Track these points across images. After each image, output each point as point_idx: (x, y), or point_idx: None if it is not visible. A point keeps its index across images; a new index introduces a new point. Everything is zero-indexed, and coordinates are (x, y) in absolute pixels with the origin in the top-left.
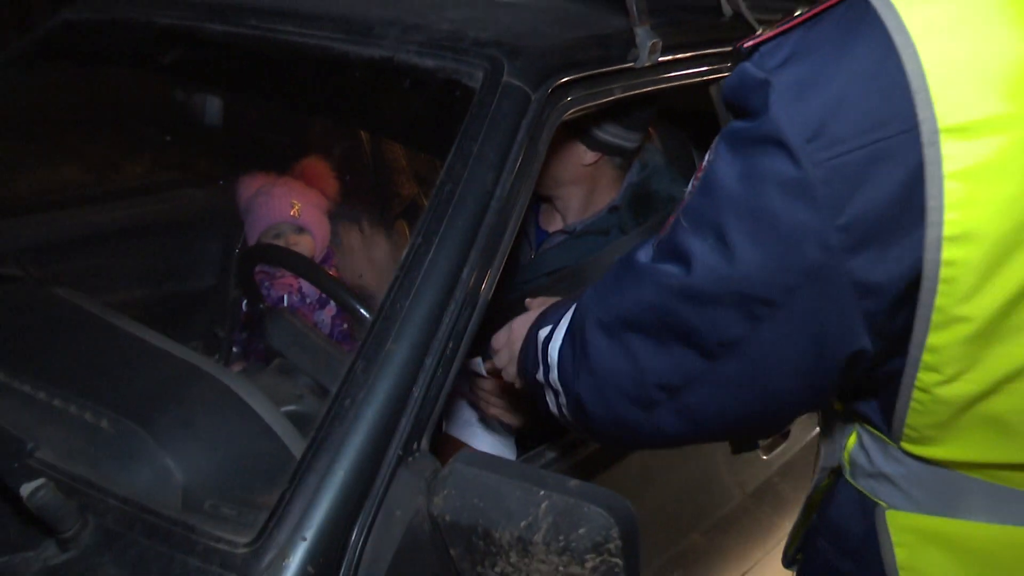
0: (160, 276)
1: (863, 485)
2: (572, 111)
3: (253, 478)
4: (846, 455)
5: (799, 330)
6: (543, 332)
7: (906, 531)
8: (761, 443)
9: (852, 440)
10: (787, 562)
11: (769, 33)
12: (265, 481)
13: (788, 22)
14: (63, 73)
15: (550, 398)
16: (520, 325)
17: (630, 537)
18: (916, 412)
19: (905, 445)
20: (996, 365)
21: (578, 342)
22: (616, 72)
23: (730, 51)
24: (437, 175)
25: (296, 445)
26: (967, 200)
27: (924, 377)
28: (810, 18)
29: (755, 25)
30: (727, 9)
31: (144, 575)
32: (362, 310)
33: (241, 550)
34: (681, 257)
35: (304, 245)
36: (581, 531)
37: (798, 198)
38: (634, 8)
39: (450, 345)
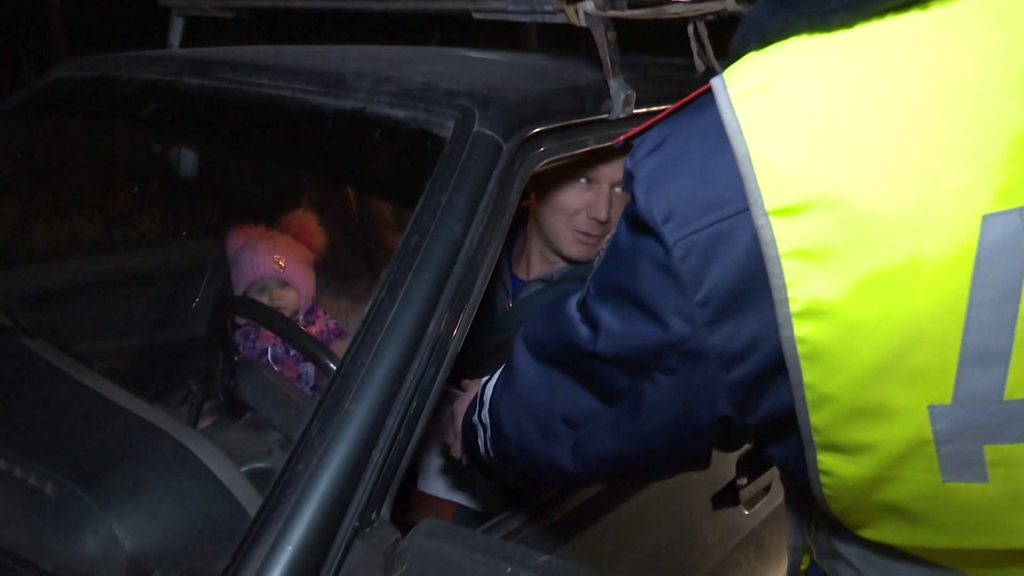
0: (151, 326)
1: (826, 565)
2: (545, 162)
3: (207, 544)
4: (810, 537)
5: (670, 391)
6: (485, 379)
7: None
8: (743, 498)
9: (813, 522)
10: None
11: (639, 128)
12: (220, 548)
13: (656, 116)
14: (53, 127)
15: (480, 437)
16: (460, 403)
17: None
18: (830, 497)
19: (849, 526)
20: (882, 449)
21: (510, 367)
22: (590, 123)
23: None
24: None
25: (255, 507)
26: (807, 277)
27: (823, 459)
28: (672, 112)
29: None
30: (699, 65)
31: None
32: (331, 364)
33: None
34: (592, 322)
35: (289, 299)
36: None
37: (665, 276)
38: (608, 61)
39: (414, 404)
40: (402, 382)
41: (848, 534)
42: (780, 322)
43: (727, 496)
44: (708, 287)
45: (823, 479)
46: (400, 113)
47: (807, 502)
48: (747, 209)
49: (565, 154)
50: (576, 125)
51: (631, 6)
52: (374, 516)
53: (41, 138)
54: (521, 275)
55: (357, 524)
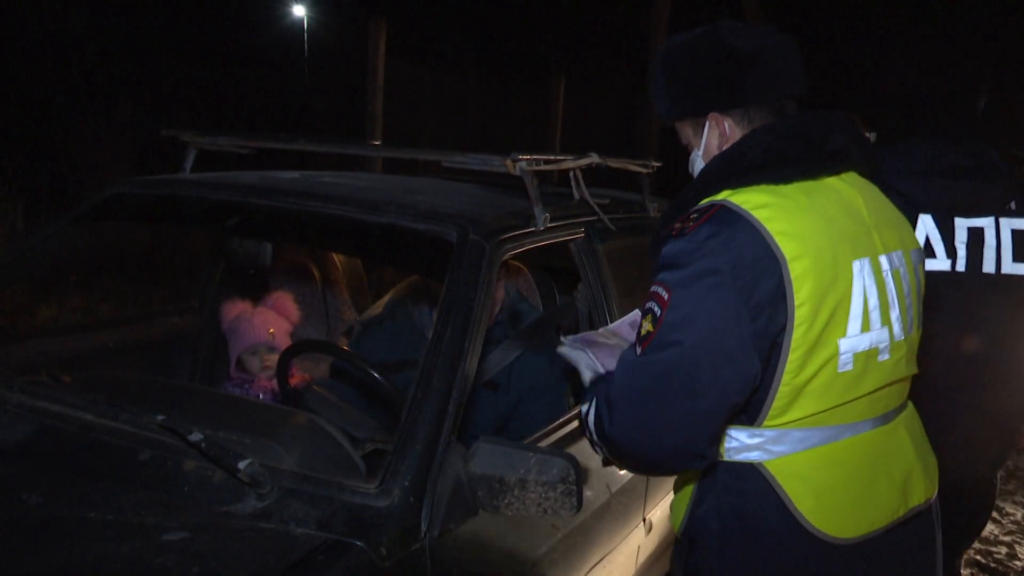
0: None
1: (737, 458)
2: (506, 256)
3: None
4: (721, 448)
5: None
6: (583, 410)
7: (779, 469)
8: None
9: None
10: (681, 526)
11: (691, 226)
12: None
13: (694, 221)
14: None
15: (600, 451)
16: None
17: (579, 474)
18: (781, 397)
19: (766, 423)
20: (815, 364)
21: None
22: (527, 232)
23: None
24: (369, 305)
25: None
26: (800, 288)
27: (787, 378)
28: (706, 220)
29: (594, 207)
30: (576, 195)
31: (314, 509)
32: (376, 375)
33: (374, 490)
34: (672, 344)
35: (274, 360)
36: (553, 471)
37: (730, 295)
38: (534, 195)
39: (463, 390)
40: (455, 378)
41: (759, 430)
42: (789, 308)
43: None
44: (756, 298)
45: (782, 389)
46: (420, 226)
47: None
48: (778, 260)
49: (517, 251)
50: (521, 234)
51: (546, 163)
52: (452, 439)
53: (95, 241)
54: None
55: (445, 444)
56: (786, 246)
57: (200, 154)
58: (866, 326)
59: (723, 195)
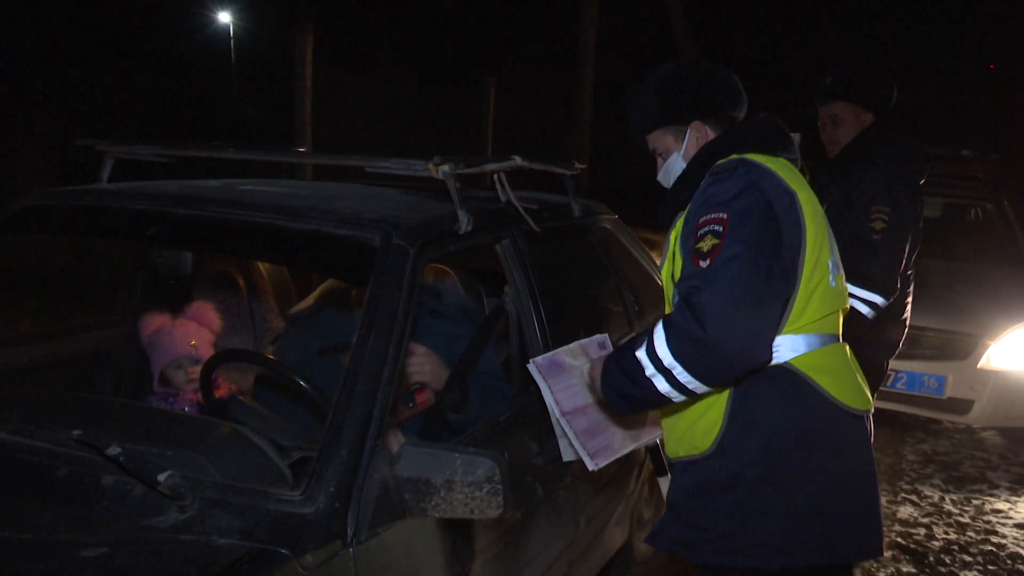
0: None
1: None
2: (432, 258)
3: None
4: None
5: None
6: (640, 352)
7: (800, 363)
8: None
9: None
10: (714, 446)
11: (727, 171)
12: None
13: (728, 169)
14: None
15: (660, 384)
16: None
17: (505, 473)
18: (799, 302)
19: (786, 330)
20: (818, 274)
21: (693, 319)
22: (450, 235)
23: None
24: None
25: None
26: (806, 214)
27: (803, 282)
28: (737, 166)
29: (519, 209)
30: (502, 196)
31: (237, 519)
32: (301, 382)
33: (298, 497)
34: (740, 249)
35: (199, 373)
36: (479, 472)
37: (772, 215)
38: (456, 199)
39: (387, 394)
40: (379, 382)
41: (780, 337)
42: (803, 237)
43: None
44: (784, 222)
45: (799, 299)
46: (344, 231)
47: None
48: (794, 193)
49: (439, 254)
50: (444, 237)
51: (468, 166)
52: (378, 443)
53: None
54: None
55: (370, 449)
56: (792, 185)
57: (126, 166)
58: (835, 255)
59: (734, 157)
